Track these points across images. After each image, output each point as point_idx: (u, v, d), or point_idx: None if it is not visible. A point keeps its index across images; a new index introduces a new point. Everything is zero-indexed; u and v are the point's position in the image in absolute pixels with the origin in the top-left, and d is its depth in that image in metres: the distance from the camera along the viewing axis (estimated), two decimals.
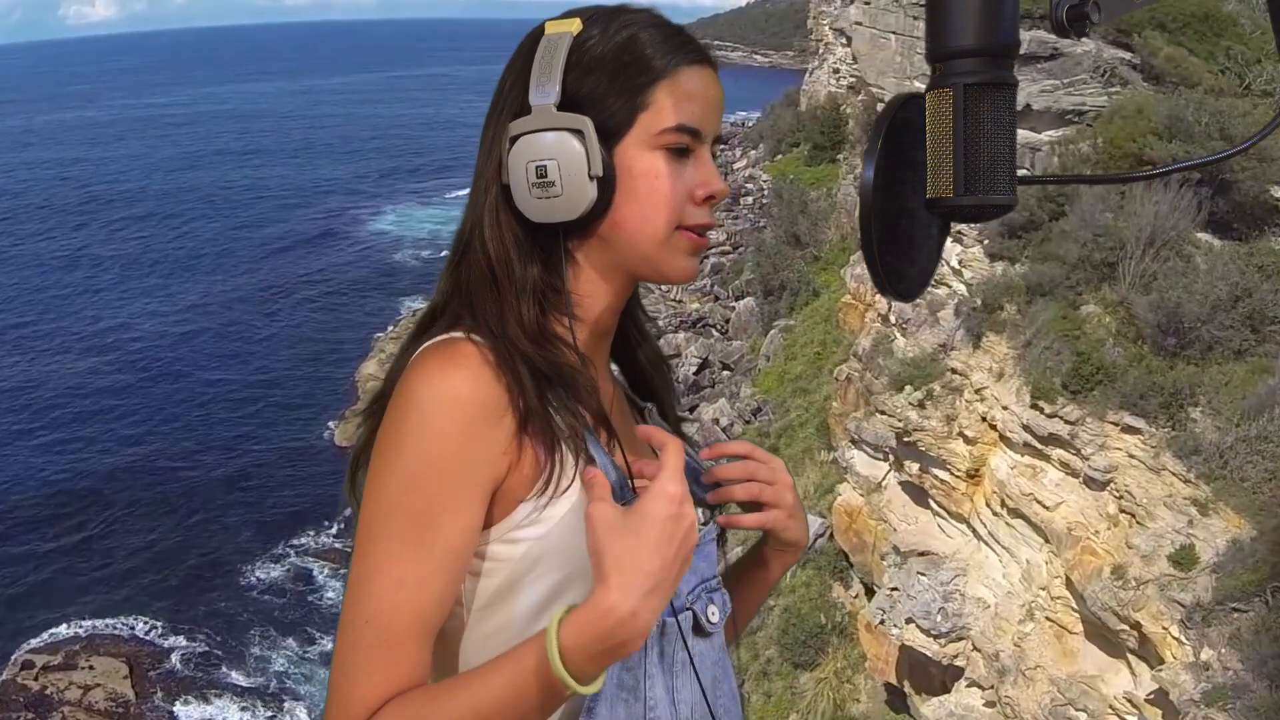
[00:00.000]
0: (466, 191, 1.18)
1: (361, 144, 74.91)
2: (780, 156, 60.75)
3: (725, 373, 28.31)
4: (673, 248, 1.13)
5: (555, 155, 1.06)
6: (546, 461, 1.04)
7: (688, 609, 1.16)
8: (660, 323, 33.57)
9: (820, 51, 71.84)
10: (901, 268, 0.93)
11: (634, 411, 1.33)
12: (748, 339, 29.37)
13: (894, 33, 18.79)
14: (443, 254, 1.38)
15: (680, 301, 37.58)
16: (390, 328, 35.42)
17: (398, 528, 0.99)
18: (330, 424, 30.04)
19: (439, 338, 1.07)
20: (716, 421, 23.17)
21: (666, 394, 1.39)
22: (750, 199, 55.35)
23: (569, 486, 1.05)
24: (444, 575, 1.01)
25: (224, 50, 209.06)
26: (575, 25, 1.10)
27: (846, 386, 19.16)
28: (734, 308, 33.03)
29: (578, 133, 1.06)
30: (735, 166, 65.78)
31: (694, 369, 28.36)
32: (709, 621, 1.18)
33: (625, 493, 1.08)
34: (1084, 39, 17.74)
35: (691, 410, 25.95)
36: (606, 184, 1.08)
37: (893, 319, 18.65)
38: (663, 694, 1.11)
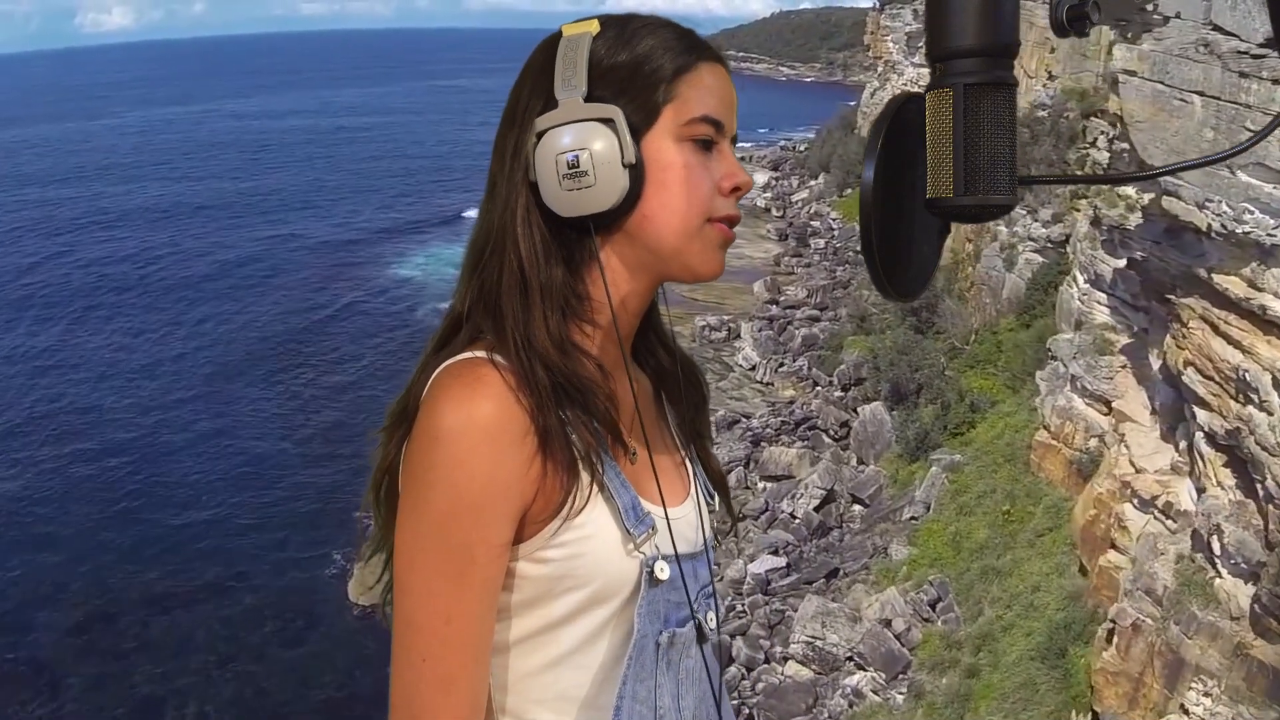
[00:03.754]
0: None
1: (383, 172, 68.83)
2: (850, 191, 54.07)
3: (856, 507, 21.86)
4: (703, 241, 1.10)
5: (586, 145, 1.04)
6: (565, 483, 1.03)
7: (693, 618, 1.16)
8: (754, 422, 27.20)
9: (881, 70, 66.18)
10: (901, 268, 0.91)
11: (661, 415, 1.28)
12: (877, 458, 22.96)
13: (1200, 93, 12.39)
14: None
15: (771, 385, 31.12)
16: None
17: (438, 563, 1.00)
18: (338, 556, 23.88)
19: (460, 357, 1.05)
20: (888, 624, 16.69)
21: (694, 406, 1.31)
22: (822, 242, 48.71)
23: (584, 506, 1.04)
24: (486, 601, 1.02)
25: (240, 61, 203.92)
26: (594, 26, 1.09)
27: (1131, 637, 12.74)
28: (846, 403, 26.56)
29: (608, 121, 1.05)
30: (794, 199, 59.08)
31: (816, 503, 21.87)
32: (709, 629, 1.19)
33: (637, 512, 1.09)
34: None
35: (830, 578, 19.50)
36: (637, 175, 1.06)
37: (1216, 549, 12.17)
38: (670, 702, 1.13)
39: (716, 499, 1.30)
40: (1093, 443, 17.33)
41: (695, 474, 1.27)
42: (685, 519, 1.19)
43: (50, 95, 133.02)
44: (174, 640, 21.49)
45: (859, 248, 0.88)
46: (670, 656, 1.13)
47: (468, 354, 1.05)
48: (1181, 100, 12.52)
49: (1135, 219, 18.22)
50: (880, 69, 65.77)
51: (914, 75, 55.49)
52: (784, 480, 23.20)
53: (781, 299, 39.01)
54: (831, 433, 25.35)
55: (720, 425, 26.71)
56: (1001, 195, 0.82)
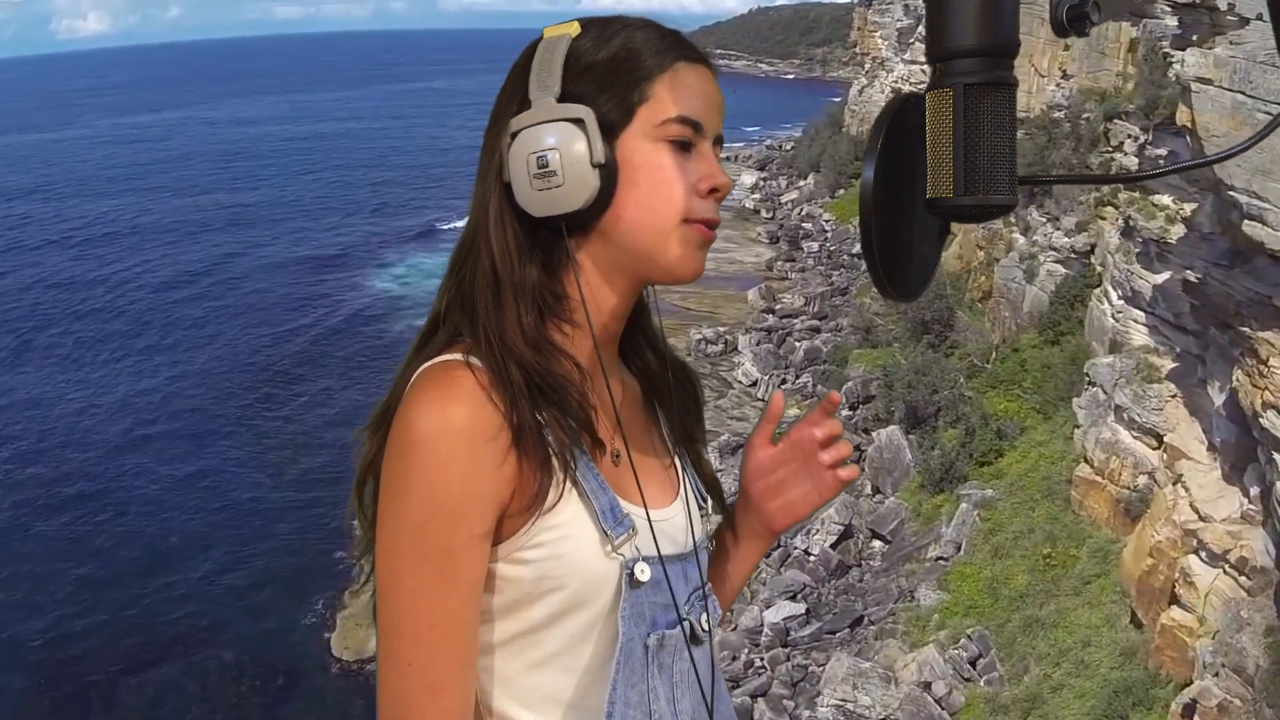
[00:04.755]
0: None
1: (360, 180, 66.91)
2: (843, 192, 52.63)
3: (876, 544, 20.42)
4: (680, 241, 1.07)
5: (556, 145, 1.03)
6: (540, 479, 1.01)
7: (685, 619, 1.14)
8: None
9: (869, 67, 64.58)
10: (902, 268, 0.91)
11: (650, 418, 1.25)
12: (895, 488, 21.51)
13: None
14: None
15: (769, 402, 29.51)
16: None
17: (419, 567, 0.98)
18: (319, 606, 22.12)
19: (437, 360, 1.03)
20: (928, 686, 15.23)
21: (684, 407, 1.28)
22: (816, 245, 47.23)
23: (558, 503, 1.02)
24: (470, 604, 1.01)
25: (215, 66, 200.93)
26: (574, 28, 1.08)
27: (1216, 718, 11.32)
28: (856, 423, 25.10)
29: (578, 121, 1.03)
30: (784, 200, 57.49)
31: (833, 539, 20.40)
32: (703, 630, 1.17)
33: (616, 513, 1.06)
34: None
35: (855, 626, 18.06)
36: (608, 175, 1.04)
37: None
38: (665, 706, 1.11)
39: (710, 502, 1.26)
40: (1142, 480, 15.92)
41: (686, 476, 1.23)
42: (672, 520, 1.15)
43: (23, 103, 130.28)
44: (144, 701, 19.89)
45: (858, 248, 0.84)
46: (661, 659, 1.10)
47: (445, 356, 1.02)
48: (1268, 113, 11.05)
49: (1177, 231, 16.81)
50: (868, 65, 64.10)
51: (904, 72, 53.85)
52: None
53: (778, 307, 37.50)
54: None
55: (724, 450, 25.25)
56: (1001, 195, 0.82)
